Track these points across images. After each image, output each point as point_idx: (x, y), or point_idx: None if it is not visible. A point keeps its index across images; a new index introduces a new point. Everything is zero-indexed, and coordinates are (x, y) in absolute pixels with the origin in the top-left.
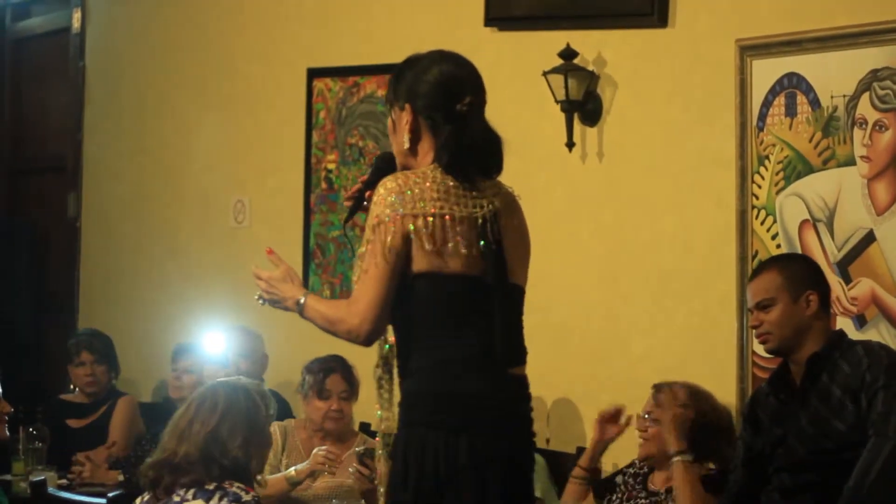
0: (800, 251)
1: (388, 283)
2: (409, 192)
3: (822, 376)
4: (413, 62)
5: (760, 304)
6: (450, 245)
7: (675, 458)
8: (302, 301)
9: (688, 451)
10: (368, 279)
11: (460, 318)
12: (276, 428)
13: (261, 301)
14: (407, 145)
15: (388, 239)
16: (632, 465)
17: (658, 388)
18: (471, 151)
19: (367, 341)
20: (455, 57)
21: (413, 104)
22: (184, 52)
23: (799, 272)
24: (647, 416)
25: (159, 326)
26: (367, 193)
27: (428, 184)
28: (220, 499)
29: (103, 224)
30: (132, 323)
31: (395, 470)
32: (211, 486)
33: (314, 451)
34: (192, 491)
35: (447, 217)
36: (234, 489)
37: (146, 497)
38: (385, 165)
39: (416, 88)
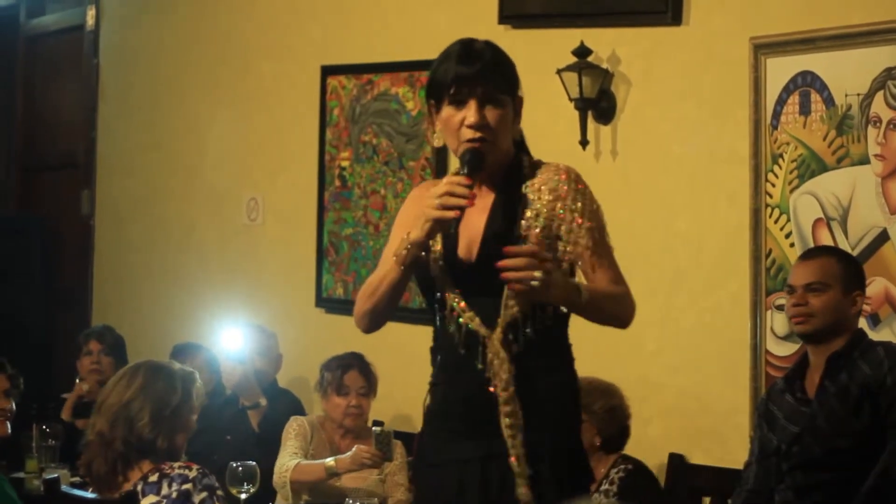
0: None
1: None
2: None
3: (841, 375)
4: (491, 50)
5: (812, 285)
6: None
7: None
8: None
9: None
10: (615, 260)
11: None
12: (303, 421)
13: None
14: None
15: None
16: None
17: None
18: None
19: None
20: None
21: (517, 94)
22: (197, 49)
23: (854, 269)
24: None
25: (173, 324)
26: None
27: None
28: (169, 485)
29: (116, 221)
30: (146, 320)
31: None
32: (154, 478)
33: (356, 448)
34: (140, 486)
35: None
36: (177, 471)
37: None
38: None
39: (515, 77)
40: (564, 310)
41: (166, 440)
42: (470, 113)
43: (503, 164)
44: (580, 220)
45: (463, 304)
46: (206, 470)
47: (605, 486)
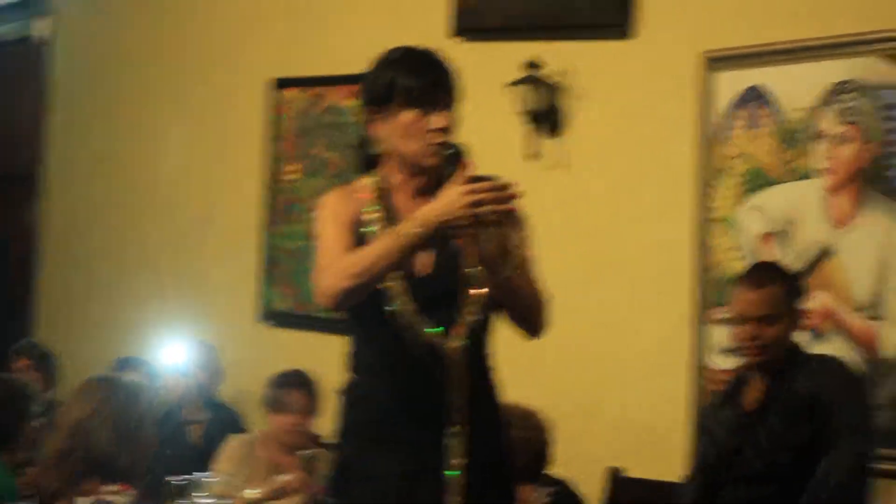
0: None
1: None
2: None
3: (779, 391)
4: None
5: (765, 317)
6: None
7: None
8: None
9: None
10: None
11: None
12: (238, 443)
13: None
14: None
15: None
16: None
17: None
18: None
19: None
20: None
21: None
22: (151, 62)
23: (797, 290)
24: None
25: (115, 337)
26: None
27: None
28: None
29: (63, 233)
30: (89, 333)
31: None
32: (87, 501)
33: (277, 477)
34: None
35: None
36: (108, 497)
37: None
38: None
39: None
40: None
41: (129, 457)
42: (439, 117)
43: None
44: (519, 232)
45: (421, 315)
46: (145, 492)
47: None
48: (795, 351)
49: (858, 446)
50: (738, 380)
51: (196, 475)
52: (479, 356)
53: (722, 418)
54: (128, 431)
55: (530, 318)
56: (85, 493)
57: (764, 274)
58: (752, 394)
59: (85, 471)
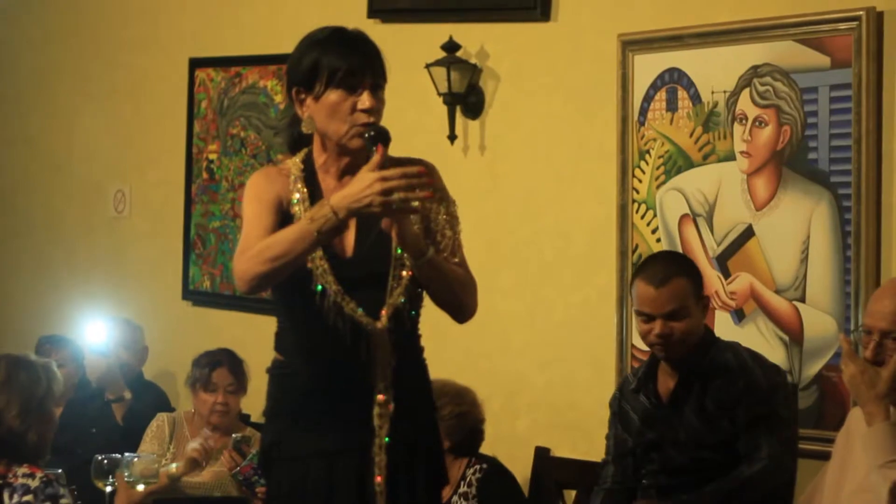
0: (679, 245)
1: None
2: None
3: (694, 386)
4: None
5: (673, 313)
6: None
7: None
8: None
9: None
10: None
11: None
12: (164, 418)
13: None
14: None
15: None
16: None
17: None
18: None
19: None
20: None
21: None
22: (65, 41)
23: (698, 277)
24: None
25: (38, 316)
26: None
27: None
28: (10, 497)
29: None
30: (11, 312)
31: None
32: None
33: (187, 445)
34: None
35: None
36: (20, 481)
37: None
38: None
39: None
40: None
41: (36, 434)
42: (365, 98)
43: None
44: (444, 215)
45: (346, 297)
46: (53, 476)
47: (462, 489)
48: (708, 341)
49: (778, 433)
50: (651, 365)
51: (122, 454)
52: (405, 336)
53: (636, 405)
54: (34, 409)
55: (455, 302)
56: None
57: (665, 268)
58: (667, 381)
59: None
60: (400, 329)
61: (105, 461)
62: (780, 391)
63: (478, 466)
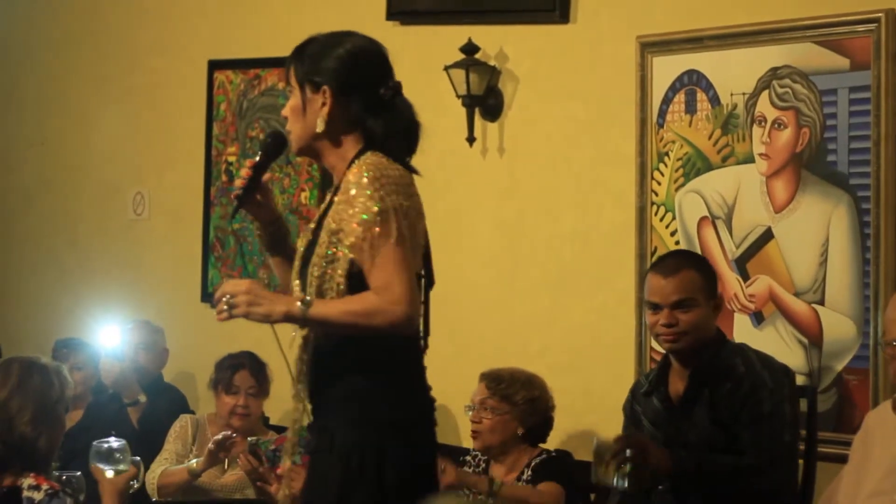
0: (699, 248)
1: (411, 268)
2: (387, 178)
3: (704, 389)
4: (323, 40)
5: (680, 302)
6: (419, 240)
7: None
8: (309, 300)
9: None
10: (393, 264)
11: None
12: (187, 420)
13: (224, 314)
14: (321, 128)
15: (396, 226)
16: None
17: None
18: (408, 136)
19: (410, 328)
20: (363, 35)
21: (332, 85)
22: (84, 44)
23: (711, 273)
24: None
25: (56, 319)
26: (266, 177)
27: (398, 172)
28: None
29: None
30: (29, 315)
31: (348, 468)
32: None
33: (209, 445)
34: None
35: (417, 209)
36: (25, 494)
37: None
38: (276, 146)
39: (336, 67)
40: None
41: (47, 440)
42: (290, 99)
43: (333, 160)
44: (354, 225)
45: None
46: (58, 489)
47: (525, 476)
48: (719, 343)
49: (779, 433)
50: (663, 368)
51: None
52: (325, 351)
53: (647, 407)
54: (47, 414)
55: (366, 332)
56: (4, 483)
57: (676, 261)
58: (678, 384)
59: (4, 456)
60: (315, 344)
61: (105, 444)
62: (787, 396)
63: (545, 456)
